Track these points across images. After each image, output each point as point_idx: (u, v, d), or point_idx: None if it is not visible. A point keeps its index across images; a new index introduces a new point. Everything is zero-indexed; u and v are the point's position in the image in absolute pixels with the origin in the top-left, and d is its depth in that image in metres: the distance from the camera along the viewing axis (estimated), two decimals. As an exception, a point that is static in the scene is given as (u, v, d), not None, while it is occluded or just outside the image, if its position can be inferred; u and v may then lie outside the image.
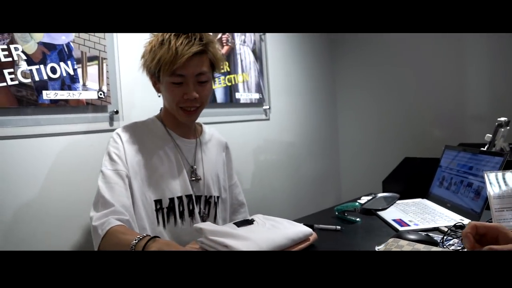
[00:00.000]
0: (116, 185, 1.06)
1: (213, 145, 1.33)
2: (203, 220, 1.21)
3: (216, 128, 1.87)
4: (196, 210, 1.20)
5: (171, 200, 1.15)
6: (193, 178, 1.21)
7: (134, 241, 0.89)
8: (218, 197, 1.28)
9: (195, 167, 1.23)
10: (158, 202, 1.14)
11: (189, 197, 1.18)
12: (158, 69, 1.10)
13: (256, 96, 2.09)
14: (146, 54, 1.14)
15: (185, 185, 1.18)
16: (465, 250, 0.82)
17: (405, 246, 0.87)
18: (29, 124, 1.29)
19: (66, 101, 1.35)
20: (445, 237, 1.00)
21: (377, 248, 0.97)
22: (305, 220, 1.22)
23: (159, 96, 1.22)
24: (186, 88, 1.11)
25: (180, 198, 1.17)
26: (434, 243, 0.98)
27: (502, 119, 1.53)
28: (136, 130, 1.19)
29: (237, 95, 1.98)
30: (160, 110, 1.27)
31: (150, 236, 0.90)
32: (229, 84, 1.94)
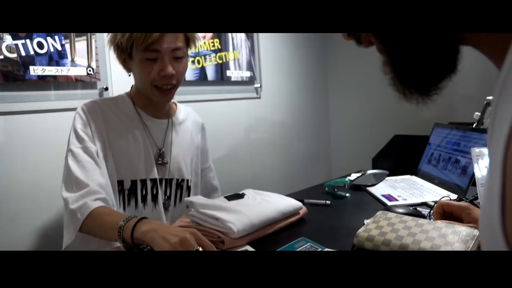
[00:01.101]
0: (87, 163, 1.00)
1: (187, 126, 1.26)
2: (165, 206, 1.16)
3: (207, 106, 1.88)
4: (160, 195, 1.13)
5: (133, 182, 1.09)
6: (159, 162, 1.14)
7: (122, 222, 0.85)
8: (190, 181, 1.23)
9: (163, 149, 1.16)
10: (119, 183, 1.08)
11: (153, 181, 1.12)
12: (131, 45, 1.03)
13: (247, 74, 2.08)
14: None
15: (150, 168, 1.12)
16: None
17: (393, 218, 0.88)
18: (16, 100, 1.27)
19: (54, 77, 1.33)
20: (431, 211, 1.02)
21: (365, 222, 0.99)
22: (296, 196, 1.23)
23: (130, 75, 1.14)
24: (161, 64, 1.04)
25: (143, 181, 1.11)
26: (422, 216, 1.01)
27: (491, 97, 1.54)
28: (102, 107, 1.11)
29: (228, 73, 1.97)
30: (131, 87, 1.19)
31: (138, 218, 0.86)
32: (220, 61, 1.93)
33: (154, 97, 1.10)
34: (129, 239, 0.84)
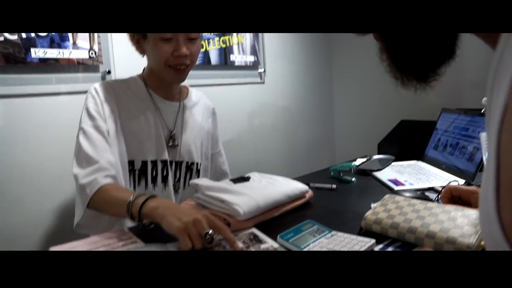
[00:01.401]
0: (98, 141, 1.01)
1: (198, 110, 1.27)
2: (175, 188, 1.17)
3: (210, 90, 1.86)
4: (170, 176, 1.15)
5: (144, 163, 1.11)
6: (170, 144, 1.15)
7: (131, 198, 0.85)
8: (200, 164, 1.23)
9: (174, 132, 1.17)
10: (130, 163, 1.09)
11: (164, 162, 1.13)
12: None
13: (251, 58, 2.05)
14: None
15: (161, 149, 1.13)
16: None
17: (401, 201, 0.87)
18: (18, 83, 1.25)
19: (56, 60, 1.31)
20: (439, 195, 1.01)
21: (372, 205, 0.97)
22: (301, 180, 1.21)
23: (143, 57, 1.14)
24: (176, 45, 1.05)
25: (154, 162, 1.12)
26: (430, 200, 0.99)
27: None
28: (115, 87, 1.11)
29: (232, 57, 1.94)
30: (143, 69, 1.19)
31: (148, 195, 0.86)
32: (224, 45, 1.90)
33: (167, 77, 1.11)
34: (137, 215, 0.84)
